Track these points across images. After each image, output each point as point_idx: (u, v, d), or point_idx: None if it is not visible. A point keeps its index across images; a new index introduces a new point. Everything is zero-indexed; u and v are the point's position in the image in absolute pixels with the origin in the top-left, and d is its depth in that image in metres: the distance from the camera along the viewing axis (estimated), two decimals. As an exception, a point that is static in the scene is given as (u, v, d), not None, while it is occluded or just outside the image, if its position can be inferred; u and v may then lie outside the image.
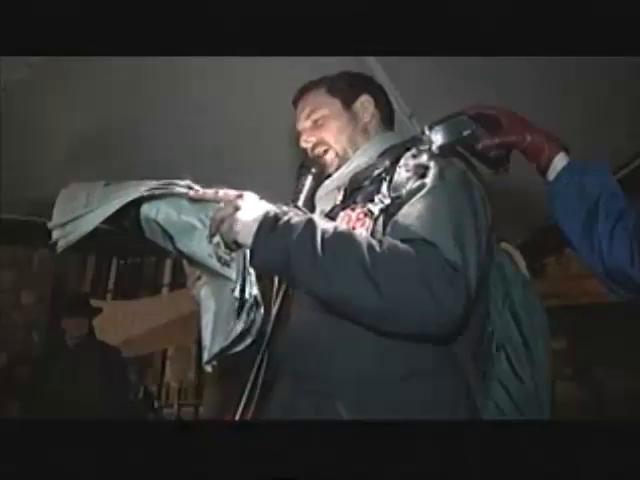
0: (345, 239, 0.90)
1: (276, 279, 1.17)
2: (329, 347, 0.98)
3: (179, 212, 1.05)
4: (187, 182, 1.06)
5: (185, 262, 1.18)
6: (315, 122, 1.20)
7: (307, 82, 1.25)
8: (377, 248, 0.88)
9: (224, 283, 1.09)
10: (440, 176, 0.97)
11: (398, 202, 0.97)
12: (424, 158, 1.02)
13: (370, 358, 0.96)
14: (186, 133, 1.90)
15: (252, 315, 1.11)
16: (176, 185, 1.05)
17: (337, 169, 1.17)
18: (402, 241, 0.89)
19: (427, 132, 1.00)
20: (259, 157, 1.99)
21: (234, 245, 1.00)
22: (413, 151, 1.06)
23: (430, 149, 1.00)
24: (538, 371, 1.03)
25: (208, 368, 1.13)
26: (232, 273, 1.07)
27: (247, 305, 1.09)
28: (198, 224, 1.05)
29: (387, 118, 1.25)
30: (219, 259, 1.05)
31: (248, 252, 0.98)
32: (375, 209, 1.00)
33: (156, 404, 7.70)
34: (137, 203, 1.05)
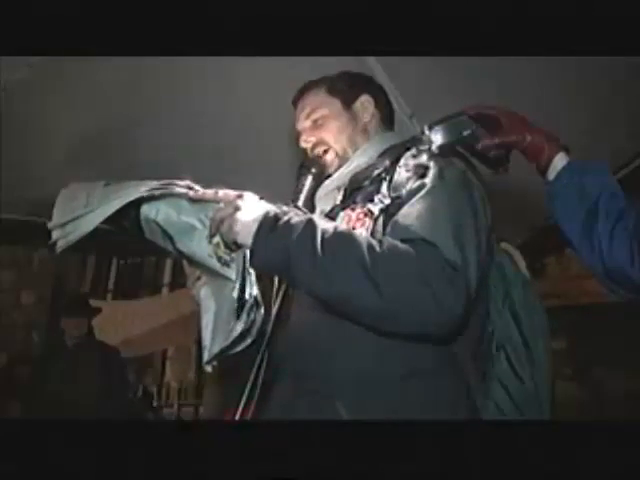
0: (345, 239, 0.90)
1: (276, 279, 1.17)
2: (329, 347, 0.98)
3: (179, 212, 1.05)
4: (187, 182, 1.06)
5: (185, 262, 1.18)
6: (315, 122, 1.20)
7: (307, 82, 1.25)
8: (377, 248, 0.88)
9: (224, 283, 1.09)
10: (440, 176, 0.97)
11: (398, 202, 0.97)
12: (424, 158, 1.02)
13: (370, 358, 0.95)
14: (186, 133, 1.90)
15: (252, 315, 1.10)
16: (176, 185, 1.05)
17: (337, 169, 1.17)
18: (402, 241, 0.89)
19: (427, 132, 1.00)
20: (259, 157, 1.99)
21: (234, 245, 1.00)
22: (413, 151, 1.05)
23: (430, 149, 1.00)
24: (538, 371, 1.03)
25: (208, 368, 1.12)
26: (232, 273, 1.07)
27: (247, 305, 1.09)
28: (198, 224, 1.05)
29: (387, 118, 1.25)
30: (219, 259, 1.05)
31: (248, 252, 0.98)
32: (375, 209, 1.00)
33: (155, 403, 7.71)
34: (137, 203, 1.04)
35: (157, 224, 1.07)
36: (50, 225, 1.07)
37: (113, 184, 1.07)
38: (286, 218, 0.93)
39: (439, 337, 0.91)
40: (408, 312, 0.86)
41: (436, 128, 1.00)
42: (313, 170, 1.16)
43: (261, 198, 1.01)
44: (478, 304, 0.98)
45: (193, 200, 1.05)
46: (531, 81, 1.63)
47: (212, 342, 1.10)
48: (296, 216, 0.94)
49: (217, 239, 1.01)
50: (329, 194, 1.16)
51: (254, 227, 0.93)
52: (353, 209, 1.04)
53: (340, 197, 1.13)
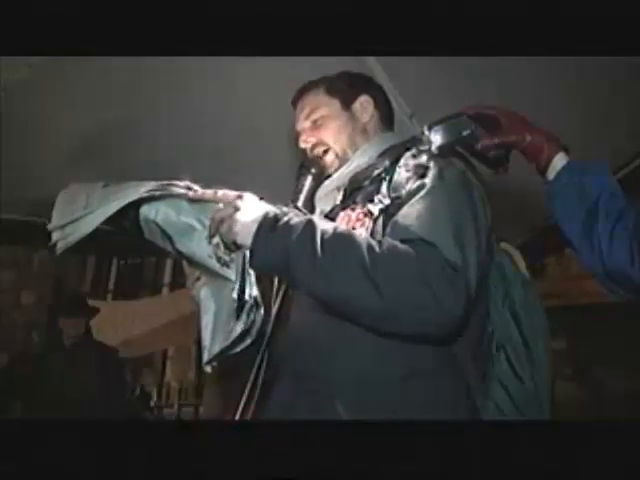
0: (345, 240, 0.90)
1: (276, 279, 1.17)
2: (329, 347, 0.98)
3: (178, 213, 1.05)
4: (186, 183, 1.06)
5: (185, 263, 1.18)
6: (314, 122, 1.20)
7: (306, 82, 1.25)
8: (377, 249, 0.88)
9: (224, 284, 1.09)
10: (440, 176, 0.97)
11: (398, 202, 0.97)
12: (424, 158, 1.02)
13: (370, 358, 0.95)
14: (186, 133, 1.90)
15: (252, 316, 1.10)
16: (175, 186, 1.05)
17: (337, 169, 1.17)
18: (402, 241, 0.89)
19: (426, 132, 1.00)
20: (259, 157, 1.99)
21: (233, 246, 1.00)
22: (413, 151, 1.05)
23: (429, 149, 1.00)
24: (538, 371, 1.03)
25: (208, 369, 1.12)
26: (232, 274, 1.07)
27: (247, 306, 1.09)
28: (197, 225, 1.05)
29: (387, 118, 1.25)
30: (218, 260, 1.05)
31: (248, 253, 0.98)
32: (375, 209, 1.00)
33: (152, 403, 7.71)
34: (136, 204, 1.04)
35: (156, 224, 1.07)
36: (50, 227, 1.07)
37: (112, 185, 1.07)
38: (286, 219, 0.93)
39: (439, 337, 0.91)
40: (408, 312, 0.86)
41: (436, 128, 0.99)
42: (313, 170, 1.16)
43: (261, 198, 1.01)
44: (478, 304, 0.98)
45: (192, 200, 1.05)
46: (531, 81, 1.63)
47: (212, 342, 1.10)
48: (296, 217, 0.94)
49: (217, 239, 1.01)
50: (329, 194, 1.16)
51: (253, 228, 0.93)
52: (353, 209, 1.04)
53: (340, 197, 1.13)
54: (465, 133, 0.99)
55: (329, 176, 1.18)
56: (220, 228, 0.98)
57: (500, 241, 1.13)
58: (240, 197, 0.99)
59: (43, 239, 1.11)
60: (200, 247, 1.05)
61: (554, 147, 0.96)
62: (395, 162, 1.06)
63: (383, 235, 0.95)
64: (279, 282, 1.16)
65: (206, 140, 1.92)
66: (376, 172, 1.07)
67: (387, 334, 0.91)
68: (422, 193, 0.95)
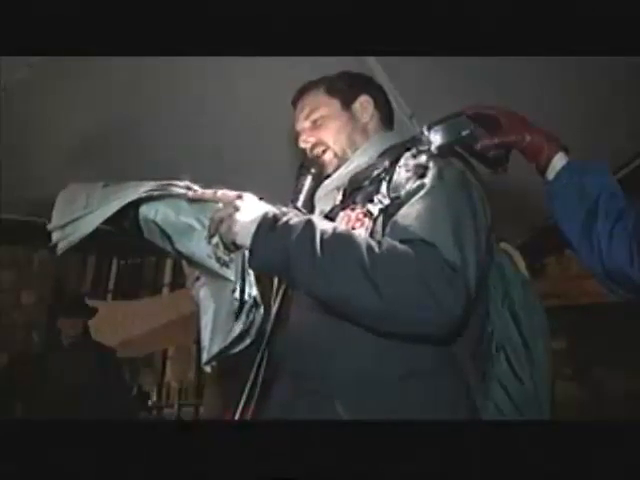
0: (344, 240, 0.90)
1: (275, 279, 1.17)
2: (328, 347, 0.98)
3: (178, 213, 1.05)
4: (186, 183, 1.06)
5: (184, 263, 1.18)
6: (314, 122, 1.20)
7: (306, 82, 1.25)
8: (376, 249, 0.88)
9: (223, 284, 1.09)
10: (439, 176, 0.97)
11: (397, 202, 0.97)
12: (423, 158, 1.02)
13: (369, 358, 0.96)
14: (186, 133, 1.90)
15: (251, 316, 1.11)
16: (175, 186, 1.05)
17: (336, 169, 1.17)
18: (401, 242, 0.89)
19: (426, 132, 1.00)
20: (259, 157, 1.99)
21: (233, 246, 0.99)
22: (413, 151, 1.05)
23: (429, 149, 1.00)
24: (538, 371, 1.03)
25: (207, 369, 1.13)
26: (231, 274, 1.07)
27: (246, 306, 1.09)
28: (197, 225, 1.05)
29: (387, 118, 1.25)
30: (218, 260, 1.05)
31: (247, 253, 0.98)
32: (374, 209, 1.00)
33: (150, 403, 7.71)
34: (136, 204, 1.04)
35: (156, 224, 1.07)
36: (50, 227, 1.07)
37: (112, 185, 1.07)
38: (285, 219, 0.93)
39: (438, 337, 0.91)
40: (407, 313, 0.86)
41: (435, 128, 0.99)
42: (312, 170, 1.16)
43: (261, 198, 1.01)
44: (477, 304, 0.98)
45: (192, 200, 1.05)
46: (531, 81, 1.63)
47: (211, 343, 1.10)
48: (295, 217, 0.94)
49: (216, 239, 1.01)
50: (329, 194, 1.16)
51: (253, 228, 0.93)
52: (353, 209, 1.04)
53: (340, 197, 1.13)
54: (464, 133, 0.99)
55: (329, 176, 1.18)
56: (219, 228, 0.98)
57: (500, 241, 1.13)
58: (240, 197, 0.99)
59: (43, 239, 1.11)
60: (199, 247, 1.05)
61: (554, 147, 0.96)
62: (395, 162, 1.06)
63: (383, 235, 0.95)
64: (279, 282, 1.16)
65: (206, 140, 1.92)
66: (376, 172, 1.07)
67: (387, 334, 0.91)
68: (421, 193, 0.95)
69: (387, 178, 1.04)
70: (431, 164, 0.99)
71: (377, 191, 1.03)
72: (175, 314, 4.90)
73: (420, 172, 0.99)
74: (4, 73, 1.42)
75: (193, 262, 1.12)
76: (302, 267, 0.89)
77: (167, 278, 7.90)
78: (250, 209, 0.96)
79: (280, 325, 1.10)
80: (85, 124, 1.79)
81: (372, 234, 0.97)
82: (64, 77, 1.59)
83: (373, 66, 1.67)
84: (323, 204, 1.16)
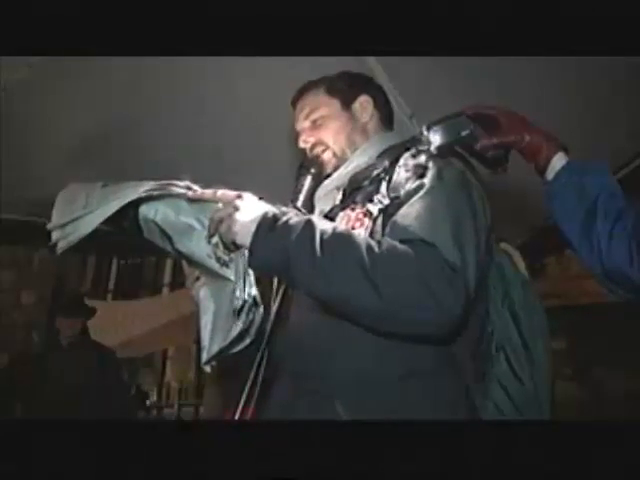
0: (344, 240, 0.90)
1: (275, 279, 1.17)
2: (328, 347, 0.98)
3: (177, 213, 1.05)
4: (186, 183, 1.06)
5: (184, 262, 1.18)
6: (314, 122, 1.20)
7: (306, 82, 1.25)
8: (376, 249, 0.88)
9: (223, 284, 1.09)
10: (439, 176, 0.97)
11: (397, 202, 0.97)
12: (423, 158, 1.02)
13: (369, 358, 0.96)
14: (186, 133, 1.90)
15: (251, 315, 1.10)
16: (175, 186, 1.05)
17: (335, 169, 1.17)
18: (401, 242, 0.89)
19: (425, 132, 1.00)
20: (259, 157, 2.00)
21: (233, 246, 0.99)
22: (412, 151, 1.05)
23: (428, 149, 1.00)
24: (538, 371, 1.03)
25: (207, 368, 1.12)
26: (231, 274, 1.07)
27: (246, 306, 1.09)
28: (196, 225, 1.05)
29: (386, 118, 1.25)
30: (218, 260, 1.05)
31: (247, 253, 0.98)
32: (374, 209, 1.00)
33: (148, 402, 7.72)
34: (136, 204, 1.04)
35: (156, 224, 1.07)
36: (50, 226, 1.07)
37: (111, 185, 1.07)
38: (285, 218, 0.93)
39: (438, 337, 0.91)
40: (407, 313, 0.86)
41: (434, 128, 0.99)
42: (312, 170, 1.16)
43: (260, 198, 1.01)
44: (477, 304, 0.98)
45: (192, 200, 1.05)
46: (531, 81, 1.63)
47: (211, 342, 1.10)
48: (295, 216, 0.94)
49: (216, 239, 1.01)
50: (328, 194, 1.16)
51: (253, 227, 0.93)
52: (353, 209, 1.04)
53: (339, 197, 1.13)
54: (464, 133, 0.99)
55: (329, 176, 1.18)
56: (219, 228, 0.98)
57: (500, 241, 1.13)
58: (239, 197, 0.99)
59: (43, 239, 1.11)
60: (199, 247, 1.05)
61: (553, 147, 0.96)
62: (394, 162, 1.06)
63: (382, 235, 0.95)
64: (279, 282, 1.16)
65: (206, 140, 1.92)
66: (375, 172, 1.07)
67: (386, 334, 0.91)
68: (421, 193, 0.95)
69: (387, 178, 1.04)
70: (431, 164, 0.99)
71: (377, 191, 1.03)
72: (175, 314, 4.90)
73: (420, 172, 0.99)
74: (4, 73, 1.42)
75: (193, 262, 1.12)
76: (302, 267, 0.89)
77: (167, 278, 7.91)
78: (250, 209, 0.96)
79: (280, 325, 1.10)
80: (85, 124, 1.80)
81: (372, 234, 0.97)
82: (64, 77, 1.59)
83: (373, 66, 1.67)
84: (323, 204, 1.16)
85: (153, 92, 1.75)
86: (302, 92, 1.25)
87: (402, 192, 0.98)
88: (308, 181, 1.16)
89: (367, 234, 0.97)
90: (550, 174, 0.95)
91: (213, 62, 1.51)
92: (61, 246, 1.05)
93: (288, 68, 1.48)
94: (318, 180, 1.17)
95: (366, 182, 1.07)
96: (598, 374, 3.71)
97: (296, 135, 1.24)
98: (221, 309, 1.10)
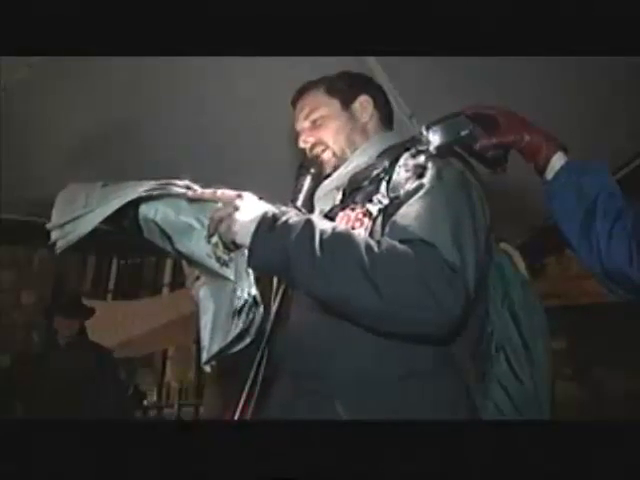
0: (344, 239, 0.90)
1: (275, 279, 1.17)
2: (328, 347, 0.98)
3: (177, 212, 1.05)
4: (186, 182, 1.06)
5: (184, 262, 1.18)
6: (314, 122, 1.20)
7: (306, 82, 1.25)
8: (375, 249, 0.88)
9: (223, 283, 1.09)
10: (438, 176, 0.97)
11: (396, 202, 0.97)
12: (422, 158, 1.02)
13: (369, 358, 0.96)
14: (186, 133, 1.90)
15: (251, 315, 1.10)
16: (174, 185, 1.05)
17: (335, 169, 1.17)
18: (401, 242, 0.89)
19: (425, 132, 1.00)
20: (259, 157, 2.00)
21: (232, 245, 0.99)
22: (412, 151, 1.05)
23: (428, 149, 1.00)
24: (538, 372, 1.03)
25: (207, 368, 1.12)
26: (231, 273, 1.07)
27: (246, 305, 1.09)
28: (196, 224, 1.05)
29: (386, 118, 1.25)
30: (218, 259, 1.05)
31: (247, 252, 0.98)
32: (374, 209, 1.00)
33: (146, 402, 7.72)
34: (135, 203, 1.04)
35: (155, 224, 1.07)
36: (49, 226, 1.07)
37: (111, 185, 1.07)
38: (284, 218, 0.93)
39: (438, 338, 0.91)
40: (407, 313, 0.86)
41: (434, 128, 0.99)
42: (312, 170, 1.17)
43: (260, 198, 1.01)
44: (477, 305, 0.97)
45: (192, 200, 1.05)
46: (531, 81, 1.63)
47: (210, 342, 1.10)
48: (295, 216, 0.94)
49: (216, 239, 1.01)
50: (328, 194, 1.16)
51: (252, 227, 0.93)
52: (352, 209, 1.04)
53: (339, 197, 1.13)
54: (463, 133, 0.99)
55: (328, 176, 1.18)
56: (219, 227, 0.98)
57: (499, 241, 1.13)
58: (239, 196, 0.99)
59: (43, 239, 1.11)
60: (199, 246, 1.05)
61: (552, 147, 0.96)
62: (394, 162, 1.05)
63: (382, 235, 0.95)
64: (279, 281, 1.16)
65: (206, 140, 1.92)
66: (375, 172, 1.07)
67: (386, 334, 0.91)
68: (421, 193, 0.95)
69: (386, 178, 1.04)
70: (430, 164, 0.99)
71: (376, 191, 1.03)
72: (175, 314, 4.90)
73: (419, 172, 0.99)
74: (4, 73, 1.42)
75: (193, 262, 1.12)
76: (301, 267, 0.89)
77: (167, 278, 7.91)
78: (250, 208, 0.96)
79: (280, 324, 1.10)
80: (85, 124, 1.80)
81: (371, 234, 0.97)
82: (64, 77, 1.59)
83: (373, 66, 1.67)
84: (323, 204, 1.16)
85: (153, 92, 1.75)
86: (302, 92, 1.25)
87: (402, 192, 0.98)
88: (308, 181, 1.16)
89: (367, 234, 0.97)
90: (549, 174, 0.95)
91: (213, 62, 1.51)
92: (60, 245, 1.05)
93: (288, 68, 1.49)
94: (318, 180, 1.17)
95: (366, 182, 1.07)
96: (598, 374, 3.71)
97: (296, 135, 1.24)
98: (221, 309, 1.10)
